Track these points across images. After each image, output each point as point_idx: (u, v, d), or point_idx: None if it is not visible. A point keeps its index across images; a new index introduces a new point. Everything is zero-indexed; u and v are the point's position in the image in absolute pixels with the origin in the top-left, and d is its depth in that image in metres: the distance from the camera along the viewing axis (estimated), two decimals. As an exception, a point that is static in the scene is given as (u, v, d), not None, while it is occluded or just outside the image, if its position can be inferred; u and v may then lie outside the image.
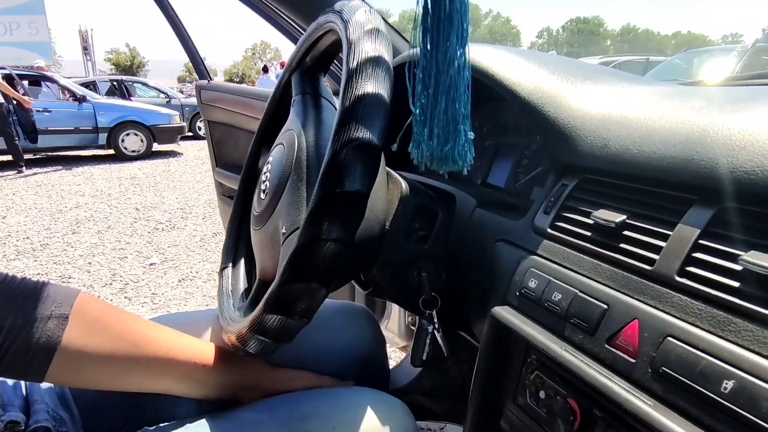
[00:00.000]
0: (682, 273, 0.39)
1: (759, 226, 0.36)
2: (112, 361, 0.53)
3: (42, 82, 7.67)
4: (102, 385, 0.56)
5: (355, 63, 0.50)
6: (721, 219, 0.39)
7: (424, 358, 0.65)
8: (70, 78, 9.25)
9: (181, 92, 15.49)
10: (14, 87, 6.49)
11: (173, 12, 1.73)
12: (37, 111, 7.00)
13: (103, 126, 7.65)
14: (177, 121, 8.43)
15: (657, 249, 0.41)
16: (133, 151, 7.92)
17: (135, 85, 11.39)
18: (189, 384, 0.60)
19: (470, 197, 0.68)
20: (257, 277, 0.67)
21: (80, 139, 7.62)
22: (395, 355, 2.07)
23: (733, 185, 0.38)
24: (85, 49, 23.32)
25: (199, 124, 10.82)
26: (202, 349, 0.61)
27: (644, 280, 0.41)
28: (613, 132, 0.50)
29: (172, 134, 8.33)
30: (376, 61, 0.50)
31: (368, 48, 0.51)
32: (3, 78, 6.36)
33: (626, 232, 0.45)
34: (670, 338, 0.37)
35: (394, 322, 1.50)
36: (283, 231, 0.58)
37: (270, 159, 0.70)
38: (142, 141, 7.98)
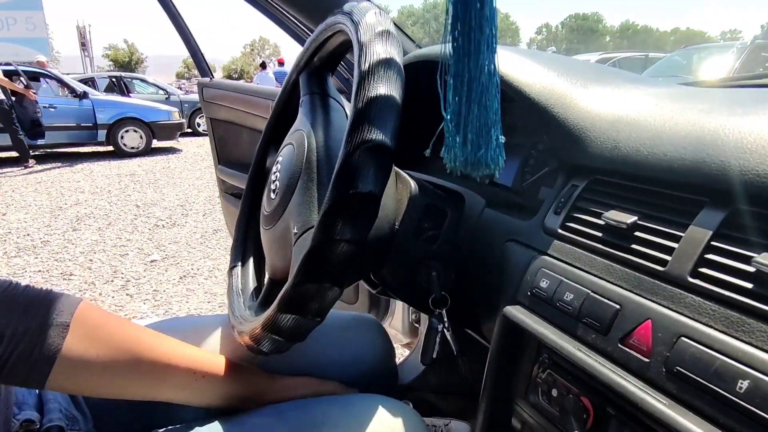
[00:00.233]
0: (695, 274, 0.39)
1: (771, 228, 0.37)
2: (112, 370, 0.54)
3: (40, 78, 7.64)
4: (102, 393, 0.56)
5: (367, 65, 0.50)
6: (733, 221, 0.39)
7: (434, 356, 0.66)
8: (68, 74, 9.22)
9: (180, 89, 15.46)
10: (14, 82, 6.49)
11: (175, 9, 1.72)
12: (44, 107, 7.00)
13: (102, 122, 7.64)
14: (176, 117, 8.42)
15: (669, 250, 0.42)
16: (133, 148, 7.90)
17: (134, 81, 11.37)
18: (189, 393, 0.61)
19: (479, 197, 0.69)
20: (267, 276, 0.67)
21: (80, 135, 7.61)
22: (398, 352, 2.07)
23: (744, 187, 0.39)
24: (83, 45, 23.23)
25: (198, 120, 10.81)
26: (203, 359, 0.61)
27: (657, 281, 0.42)
28: (623, 134, 0.51)
29: (171, 131, 8.32)
30: (387, 63, 0.51)
31: (380, 50, 0.51)
32: (3, 74, 6.35)
33: (638, 233, 0.45)
34: (683, 338, 0.38)
35: (397, 320, 1.50)
36: (295, 231, 0.59)
37: (279, 159, 0.70)
38: (141, 138, 7.97)
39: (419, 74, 0.76)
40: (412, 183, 0.68)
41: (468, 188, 0.73)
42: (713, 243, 0.39)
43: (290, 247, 0.59)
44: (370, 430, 0.63)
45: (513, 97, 0.64)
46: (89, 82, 9.75)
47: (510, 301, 0.55)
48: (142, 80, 11.66)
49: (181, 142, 9.26)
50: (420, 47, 0.97)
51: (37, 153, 7.48)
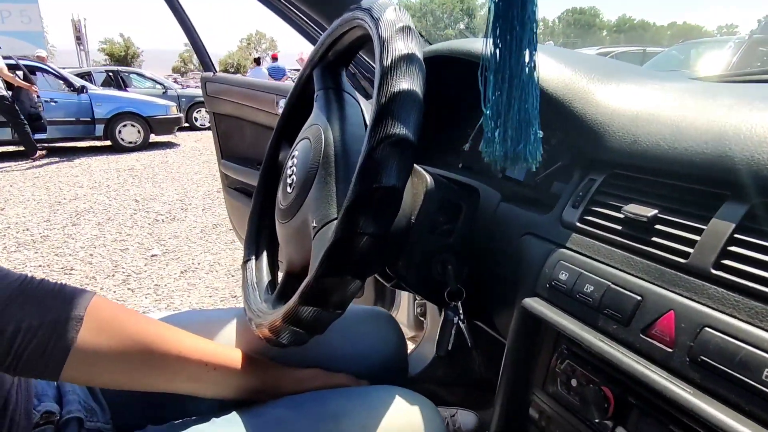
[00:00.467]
0: (718, 266, 0.40)
1: (794, 221, 0.38)
2: (125, 362, 0.55)
3: (36, 72, 7.59)
4: (115, 385, 0.57)
5: (389, 61, 0.51)
6: (756, 214, 0.40)
7: (449, 348, 0.66)
8: (64, 68, 9.15)
9: (176, 82, 15.38)
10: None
11: (178, 3, 1.72)
12: (45, 101, 6.96)
13: (99, 117, 7.59)
14: (174, 112, 8.37)
15: (691, 243, 0.43)
16: (130, 143, 7.87)
17: (131, 75, 11.30)
18: (201, 385, 0.62)
19: (494, 191, 0.69)
20: (285, 270, 0.68)
21: (77, 130, 7.57)
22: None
23: (767, 182, 0.40)
24: (78, 39, 23.05)
25: (196, 115, 10.76)
26: (215, 351, 0.62)
27: (679, 273, 0.43)
28: (642, 128, 0.51)
29: (169, 125, 8.28)
30: (409, 59, 0.51)
31: (401, 46, 0.52)
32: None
33: (658, 227, 0.46)
34: (707, 328, 0.38)
35: (402, 314, 1.51)
36: (314, 225, 0.59)
37: (295, 153, 0.71)
38: (139, 132, 7.93)
39: (434, 69, 0.76)
40: (428, 177, 0.68)
41: (482, 183, 0.73)
42: (736, 235, 0.40)
43: (309, 241, 0.60)
44: (387, 421, 0.63)
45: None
46: (86, 76, 9.69)
47: (528, 293, 0.55)
48: (139, 74, 11.59)
49: (178, 137, 9.22)
50: (430, 43, 0.98)
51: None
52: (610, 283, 0.47)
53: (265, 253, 0.81)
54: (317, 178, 0.62)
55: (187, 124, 10.38)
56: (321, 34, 0.84)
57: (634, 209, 0.48)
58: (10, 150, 7.26)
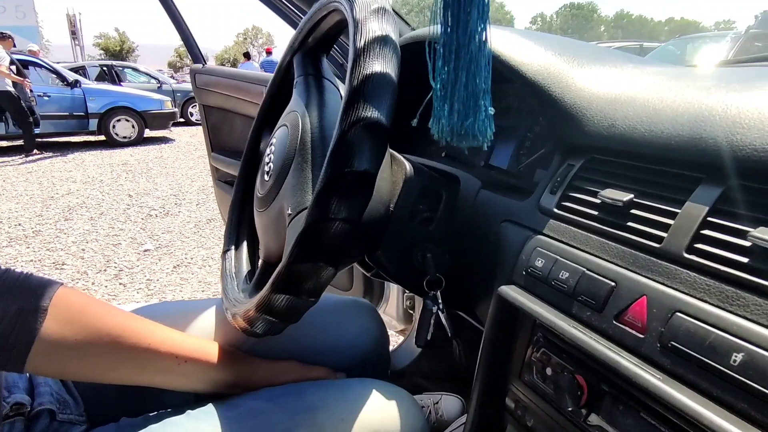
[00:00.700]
0: (691, 250, 0.39)
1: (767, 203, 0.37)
2: (91, 354, 0.54)
3: (29, 66, 7.54)
4: (82, 377, 0.56)
5: (362, 42, 0.49)
6: (730, 197, 0.39)
7: (428, 338, 0.66)
8: (58, 63, 9.09)
9: (173, 77, 15.30)
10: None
11: (168, -4, 1.70)
12: (38, 96, 6.92)
13: (93, 112, 7.54)
14: (169, 106, 8.33)
15: (665, 227, 0.42)
16: (125, 138, 7.82)
17: (125, 70, 11.23)
18: (171, 378, 0.60)
19: (474, 179, 0.68)
20: (261, 259, 0.67)
21: (71, 124, 7.52)
22: (392, 338, 2.08)
23: (741, 163, 0.39)
24: (73, 34, 22.93)
25: (191, 110, 10.71)
26: (185, 344, 0.61)
27: (652, 258, 0.42)
28: (620, 112, 0.51)
29: (163, 120, 8.24)
30: (383, 41, 0.50)
31: (375, 27, 0.51)
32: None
33: (634, 211, 0.45)
34: (678, 314, 0.37)
35: (392, 306, 1.51)
36: (289, 212, 0.58)
37: (273, 141, 0.70)
38: (133, 127, 7.88)
39: (414, 57, 0.75)
40: (408, 165, 0.67)
41: (464, 171, 0.72)
42: (709, 219, 0.39)
43: (284, 229, 0.59)
44: (365, 414, 0.63)
45: (509, 77, 0.63)
46: (80, 70, 9.62)
47: (505, 281, 0.55)
48: (134, 69, 11.52)
49: (173, 132, 9.18)
50: (413, 28, 0.96)
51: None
52: (584, 270, 0.46)
53: (245, 243, 0.80)
54: (293, 165, 0.61)
55: (182, 119, 10.34)
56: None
57: (611, 194, 0.47)
58: (3, 145, 7.22)
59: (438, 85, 0.44)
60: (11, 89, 6.36)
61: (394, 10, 1.05)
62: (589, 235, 0.48)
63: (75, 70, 9.23)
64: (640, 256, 0.43)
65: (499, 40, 0.66)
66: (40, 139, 7.14)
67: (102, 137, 7.81)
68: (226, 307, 0.65)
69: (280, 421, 0.60)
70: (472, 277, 0.67)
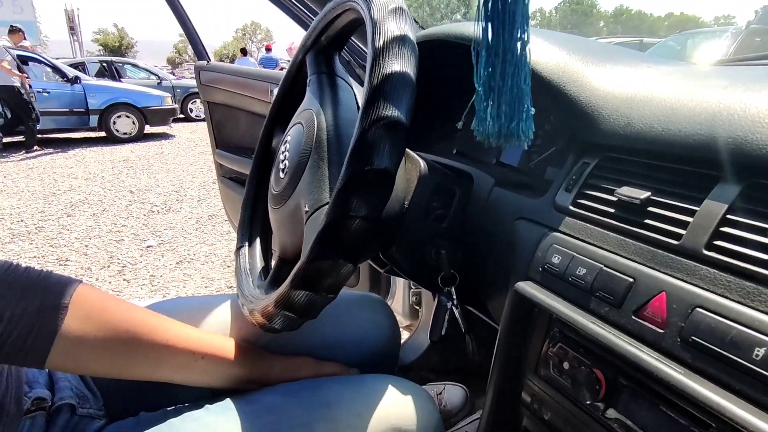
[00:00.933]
0: (710, 247, 0.40)
1: (787, 201, 0.38)
2: (111, 350, 0.54)
3: (29, 62, 7.51)
4: (102, 373, 0.57)
5: (381, 42, 0.50)
6: (749, 195, 0.40)
7: (443, 333, 0.66)
8: (57, 59, 9.06)
9: (172, 73, 15.26)
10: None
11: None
12: (37, 92, 6.90)
13: (93, 108, 7.52)
14: (169, 102, 8.31)
15: (683, 224, 0.42)
16: (125, 134, 7.81)
17: (125, 66, 11.20)
18: (189, 374, 0.61)
19: (488, 176, 0.69)
20: (277, 255, 0.68)
21: (72, 121, 7.50)
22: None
23: (760, 161, 0.39)
24: (72, 29, 22.82)
25: (191, 106, 10.68)
26: (202, 340, 0.62)
27: (671, 255, 0.43)
28: (636, 111, 0.51)
29: (164, 116, 8.23)
30: (401, 40, 0.51)
31: (393, 27, 0.51)
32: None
33: (651, 209, 0.46)
34: (699, 309, 0.38)
35: (398, 302, 1.52)
36: (306, 209, 0.59)
37: (287, 139, 0.70)
38: (133, 123, 7.87)
39: (427, 55, 0.76)
40: (422, 162, 0.68)
41: (476, 168, 0.73)
42: (729, 216, 0.40)
43: (301, 226, 0.60)
44: (381, 409, 0.63)
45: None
46: (79, 66, 9.58)
47: (521, 277, 0.55)
48: (134, 65, 11.48)
49: (174, 128, 9.16)
50: (423, 28, 0.97)
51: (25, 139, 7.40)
52: (602, 266, 0.47)
53: (258, 240, 0.80)
54: (310, 163, 0.62)
55: (182, 116, 10.32)
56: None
57: (627, 192, 0.48)
58: (4, 141, 7.20)
59: (482, 89, 0.45)
60: (17, 84, 6.37)
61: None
62: (606, 232, 0.49)
63: (74, 65, 9.19)
64: (659, 253, 0.44)
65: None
66: (40, 136, 7.13)
67: (102, 134, 7.79)
68: (243, 304, 0.66)
69: (297, 416, 0.60)
70: (486, 274, 0.68)
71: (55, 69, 7.57)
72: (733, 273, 0.38)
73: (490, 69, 0.44)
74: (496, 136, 0.46)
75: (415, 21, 1.06)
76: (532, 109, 0.46)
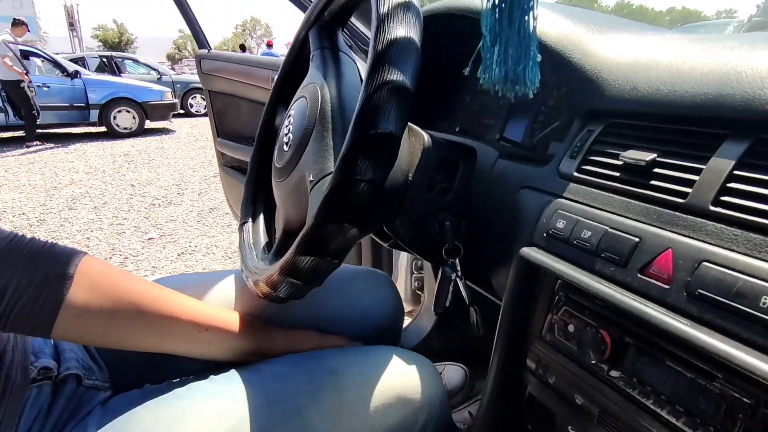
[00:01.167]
0: (717, 203, 0.40)
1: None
2: (115, 320, 0.55)
3: (30, 57, 7.50)
4: (107, 343, 0.57)
5: (385, 8, 0.50)
6: (757, 150, 0.40)
7: (447, 305, 0.66)
8: (57, 54, 9.04)
9: (173, 68, 15.23)
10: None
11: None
12: (37, 86, 6.90)
13: (94, 103, 7.52)
14: (169, 97, 8.30)
15: (690, 183, 0.42)
16: (126, 129, 7.80)
17: (125, 61, 11.18)
18: (193, 345, 0.61)
19: (491, 149, 0.69)
20: (281, 228, 0.68)
21: (72, 116, 7.49)
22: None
23: (768, 116, 0.39)
24: (71, 25, 22.79)
25: (191, 101, 10.67)
26: (206, 312, 0.62)
27: (677, 213, 0.43)
28: (642, 75, 0.51)
29: (164, 111, 8.22)
30: (406, 6, 0.50)
31: None
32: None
33: (657, 170, 0.46)
34: (705, 263, 0.38)
35: (400, 287, 1.52)
36: (311, 179, 0.59)
37: (291, 113, 0.70)
38: (134, 118, 7.86)
39: (429, 32, 0.75)
40: (425, 136, 0.68)
41: (478, 142, 0.73)
42: (736, 172, 0.40)
43: (306, 197, 0.60)
44: (386, 377, 0.64)
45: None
46: (79, 61, 9.57)
47: (525, 244, 0.55)
48: (134, 60, 11.47)
49: (174, 123, 9.16)
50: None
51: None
52: (607, 228, 0.47)
53: (261, 216, 0.80)
54: (314, 134, 0.62)
55: (182, 111, 10.31)
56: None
57: (633, 155, 0.48)
58: (4, 137, 7.20)
59: (490, 34, 0.45)
60: (21, 78, 6.40)
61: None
62: (611, 195, 0.49)
63: (74, 61, 9.18)
64: (665, 212, 0.44)
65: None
66: (40, 130, 7.13)
67: (103, 128, 7.79)
68: (247, 276, 0.66)
69: (303, 384, 0.61)
70: (490, 246, 0.68)
71: (56, 64, 7.56)
72: (740, 227, 0.38)
73: (497, 12, 0.44)
74: (502, 82, 0.46)
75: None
76: (539, 55, 0.46)
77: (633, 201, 0.47)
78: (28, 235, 0.53)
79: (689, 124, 0.46)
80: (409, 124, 0.72)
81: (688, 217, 0.42)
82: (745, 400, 0.35)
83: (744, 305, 0.35)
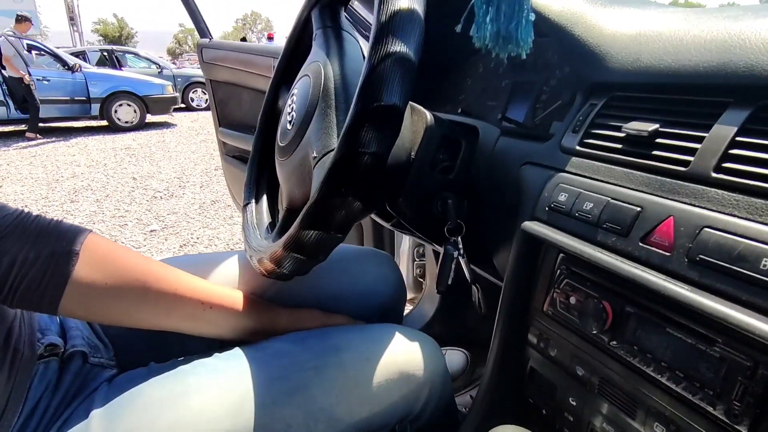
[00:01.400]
0: (719, 169, 0.40)
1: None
2: (121, 297, 0.55)
3: (31, 51, 7.49)
4: (113, 320, 0.57)
5: None
6: (759, 116, 0.40)
7: (449, 282, 0.67)
8: (58, 48, 9.02)
9: (174, 63, 15.19)
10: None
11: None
12: (37, 80, 6.90)
13: (95, 96, 7.51)
14: (170, 91, 8.29)
15: (692, 151, 0.43)
16: (127, 122, 7.80)
17: (126, 55, 11.16)
18: (198, 324, 0.62)
19: (494, 127, 0.69)
20: (285, 207, 0.68)
21: (73, 109, 7.49)
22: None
23: (770, 83, 0.39)
24: (72, 20, 22.71)
25: (192, 95, 10.65)
26: (210, 291, 0.62)
27: (679, 181, 0.43)
28: (645, 46, 0.51)
29: (165, 105, 8.21)
30: None
31: None
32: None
33: (659, 140, 0.46)
34: (706, 229, 0.38)
35: (401, 274, 1.52)
36: (314, 155, 0.59)
37: (294, 92, 0.70)
38: (135, 112, 7.86)
39: (429, 15, 0.75)
40: (428, 114, 0.68)
41: (480, 121, 0.73)
42: (738, 138, 0.40)
43: (310, 174, 0.60)
44: (389, 354, 0.64)
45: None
46: (80, 55, 9.55)
47: (527, 218, 0.55)
48: (134, 54, 11.44)
49: (175, 117, 9.15)
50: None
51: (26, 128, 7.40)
52: (609, 199, 0.47)
53: (265, 197, 0.81)
54: (317, 111, 0.62)
55: (183, 105, 10.30)
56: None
57: (635, 126, 0.48)
58: (6, 130, 7.21)
59: None
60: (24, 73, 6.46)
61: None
62: (612, 167, 0.49)
63: (75, 55, 9.15)
64: (667, 181, 0.44)
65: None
66: (42, 124, 7.13)
67: (104, 122, 7.79)
68: (251, 255, 0.67)
69: (307, 360, 0.61)
70: (492, 223, 0.68)
71: (56, 57, 7.54)
72: (741, 192, 0.38)
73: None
74: (494, 39, 0.46)
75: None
76: (533, 14, 0.46)
77: (635, 172, 0.47)
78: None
79: (692, 94, 0.46)
80: (412, 103, 0.72)
81: (690, 185, 0.42)
82: (744, 362, 0.36)
83: (745, 268, 0.35)
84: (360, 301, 0.77)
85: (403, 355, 0.65)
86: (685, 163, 0.43)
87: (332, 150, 0.57)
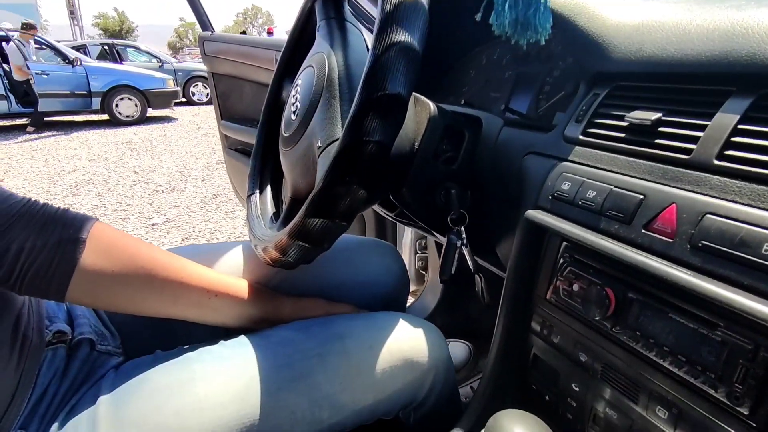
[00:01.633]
0: (721, 157, 0.40)
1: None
2: (127, 285, 0.56)
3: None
4: (119, 308, 0.58)
5: None
6: (761, 104, 0.40)
7: (453, 272, 0.67)
8: (58, 42, 9.00)
9: (175, 57, 15.16)
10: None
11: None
12: (37, 74, 6.89)
13: (96, 90, 7.49)
14: (171, 85, 8.27)
15: (694, 139, 0.43)
16: (128, 117, 7.79)
17: (126, 49, 11.14)
18: (203, 312, 0.63)
19: (497, 118, 0.70)
20: (289, 197, 0.68)
21: (74, 103, 7.47)
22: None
23: (773, 71, 0.40)
24: (72, 14, 22.63)
25: (193, 89, 10.63)
26: (216, 279, 0.63)
27: (681, 169, 0.43)
28: (648, 36, 0.51)
29: (166, 99, 8.19)
30: None
31: None
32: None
33: (662, 129, 0.46)
34: (709, 215, 0.39)
35: (405, 265, 1.53)
36: (319, 145, 0.59)
37: (298, 83, 0.71)
38: (136, 106, 7.84)
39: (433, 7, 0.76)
40: (432, 105, 0.68)
41: (484, 112, 0.73)
42: (740, 126, 0.40)
43: (313, 163, 0.60)
44: (392, 341, 0.65)
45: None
46: (81, 49, 9.53)
47: (531, 207, 0.56)
48: (135, 48, 11.42)
49: (176, 111, 9.14)
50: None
51: (28, 122, 7.40)
52: (612, 187, 0.47)
53: (269, 187, 0.81)
54: (321, 102, 0.62)
55: (184, 99, 10.28)
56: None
57: (638, 115, 0.48)
58: (6, 124, 7.21)
59: None
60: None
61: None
62: (616, 156, 0.50)
63: (76, 48, 9.13)
64: (669, 169, 0.44)
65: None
66: (45, 118, 7.13)
67: (105, 116, 7.78)
68: (256, 245, 0.67)
69: (311, 348, 0.62)
70: (496, 213, 0.69)
71: (57, 51, 7.53)
72: (743, 179, 0.39)
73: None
74: (513, 26, 0.46)
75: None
76: (550, 0, 0.46)
77: (638, 160, 0.47)
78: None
79: (695, 82, 0.46)
80: (415, 93, 0.72)
81: (693, 172, 0.42)
82: (745, 345, 0.36)
83: (746, 253, 0.36)
84: (363, 291, 0.77)
85: (406, 342, 0.66)
86: (688, 151, 0.43)
87: (336, 139, 0.58)
